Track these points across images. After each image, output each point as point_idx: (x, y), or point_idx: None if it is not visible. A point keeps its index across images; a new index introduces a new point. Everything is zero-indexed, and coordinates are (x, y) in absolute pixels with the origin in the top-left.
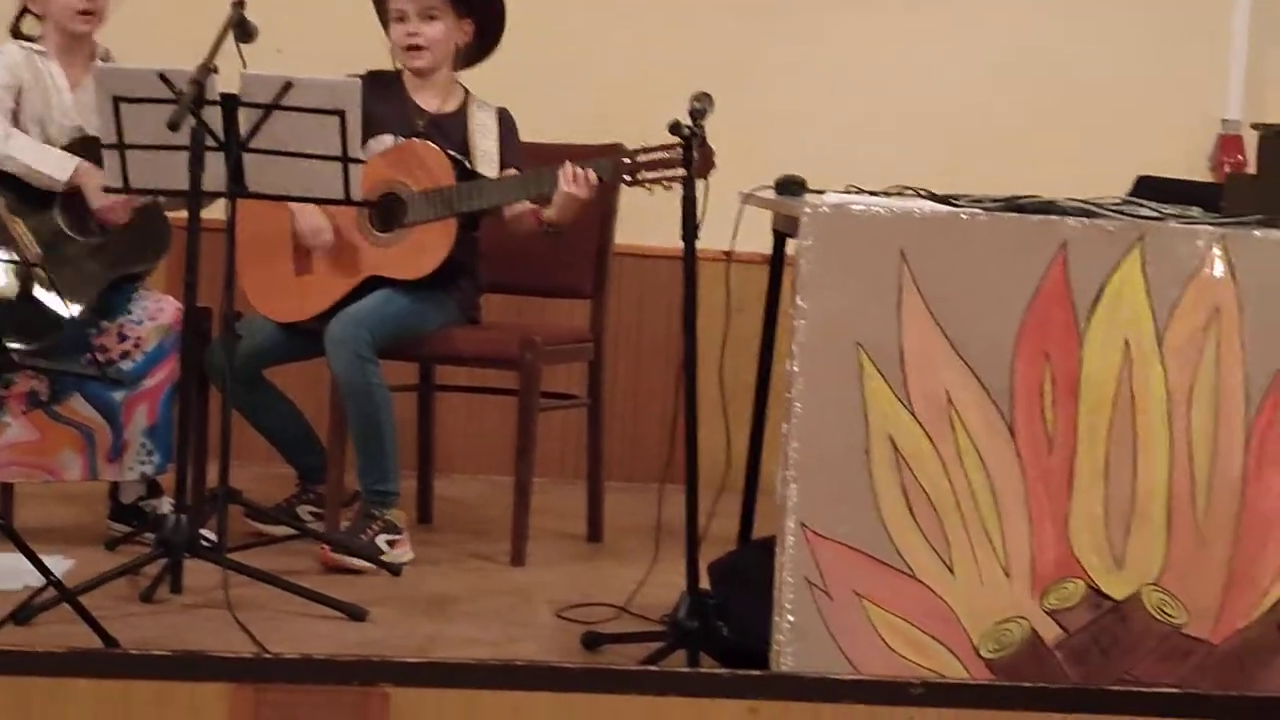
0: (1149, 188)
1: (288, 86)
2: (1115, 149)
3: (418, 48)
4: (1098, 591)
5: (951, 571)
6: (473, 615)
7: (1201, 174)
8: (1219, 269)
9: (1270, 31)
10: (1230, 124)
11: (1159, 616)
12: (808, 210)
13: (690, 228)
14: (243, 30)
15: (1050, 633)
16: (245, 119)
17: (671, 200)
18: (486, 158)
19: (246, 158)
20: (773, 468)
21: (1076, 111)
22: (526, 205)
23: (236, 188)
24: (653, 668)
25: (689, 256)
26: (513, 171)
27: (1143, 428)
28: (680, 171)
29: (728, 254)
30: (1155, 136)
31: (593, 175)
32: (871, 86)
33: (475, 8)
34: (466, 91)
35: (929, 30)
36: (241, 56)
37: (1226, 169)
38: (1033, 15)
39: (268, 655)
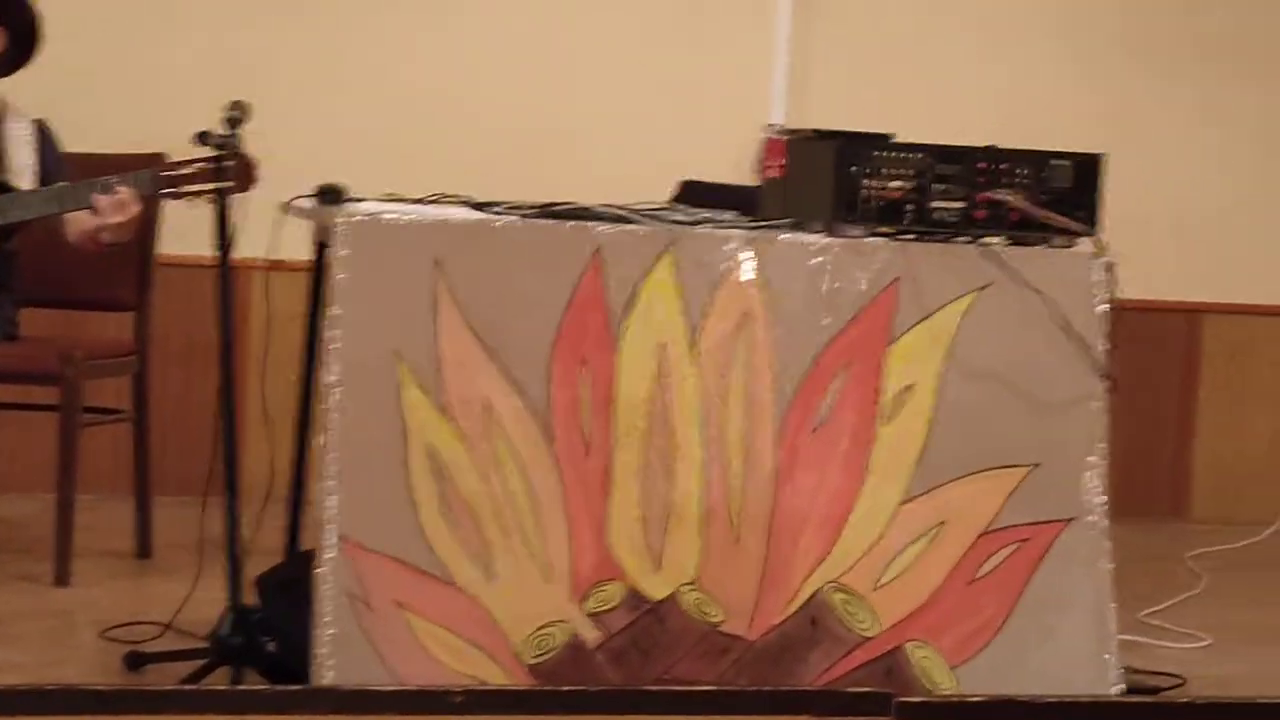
0: (693, 192)
1: None
2: (670, 152)
3: None
4: (636, 593)
5: (492, 579)
6: (12, 639)
7: (749, 178)
8: (748, 273)
9: (811, 36)
10: (773, 128)
11: (696, 615)
12: (341, 219)
13: (223, 241)
14: None
15: (591, 635)
16: None
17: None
18: (23, 171)
19: None
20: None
21: (631, 114)
22: (84, 229)
23: None
24: (189, 686)
25: (223, 270)
26: (64, 184)
27: (678, 430)
28: (223, 183)
29: (272, 264)
30: (707, 140)
31: (131, 193)
32: (425, 93)
33: (5, 16)
34: (1, 102)
35: (476, 35)
36: None
37: (770, 173)
38: (581, 19)
39: None
